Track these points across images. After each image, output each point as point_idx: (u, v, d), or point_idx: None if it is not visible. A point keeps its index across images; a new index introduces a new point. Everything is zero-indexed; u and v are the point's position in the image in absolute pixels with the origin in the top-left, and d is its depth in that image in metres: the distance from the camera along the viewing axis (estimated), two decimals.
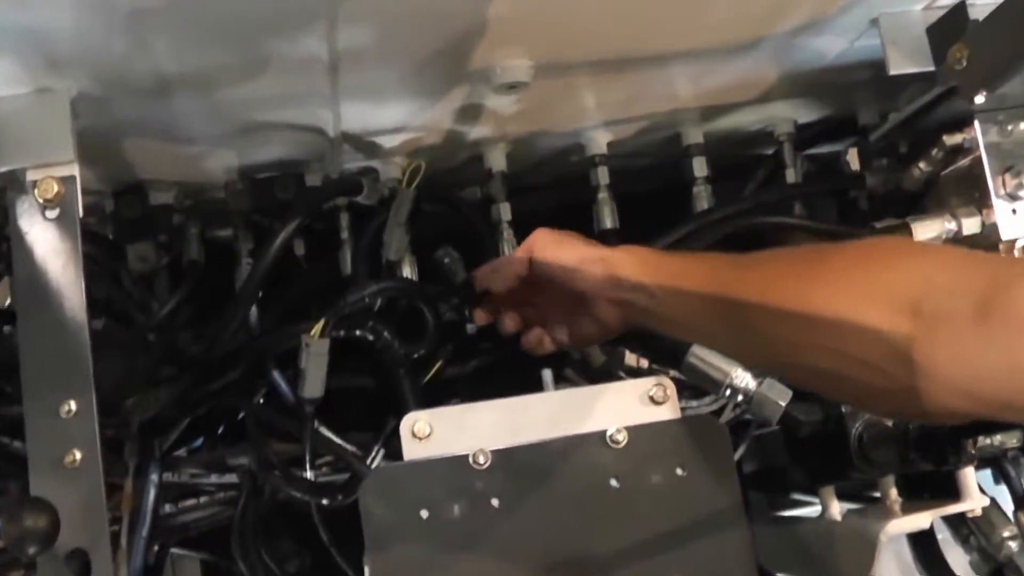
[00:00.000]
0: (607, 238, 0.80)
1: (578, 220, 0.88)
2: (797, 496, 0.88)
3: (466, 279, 0.71)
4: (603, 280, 0.59)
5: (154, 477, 0.70)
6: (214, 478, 0.74)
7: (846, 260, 0.47)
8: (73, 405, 0.52)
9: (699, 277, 0.53)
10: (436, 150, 0.79)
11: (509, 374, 0.75)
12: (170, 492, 0.73)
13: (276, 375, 0.72)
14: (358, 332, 0.72)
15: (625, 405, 0.61)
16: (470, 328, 0.74)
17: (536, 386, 0.68)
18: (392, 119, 0.72)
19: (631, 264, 0.58)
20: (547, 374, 0.68)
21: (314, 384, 0.68)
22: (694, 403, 0.73)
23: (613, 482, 0.59)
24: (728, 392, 0.68)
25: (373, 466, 0.70)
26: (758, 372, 0.65)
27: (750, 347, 0.51)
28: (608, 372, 0.72)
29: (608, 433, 0.60)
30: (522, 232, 0.75)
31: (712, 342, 0.58)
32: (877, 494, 0.80)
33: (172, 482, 0.72)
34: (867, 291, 0.44)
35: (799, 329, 0.46)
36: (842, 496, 0.81)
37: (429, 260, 0.78)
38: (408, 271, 0.80)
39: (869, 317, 0.43)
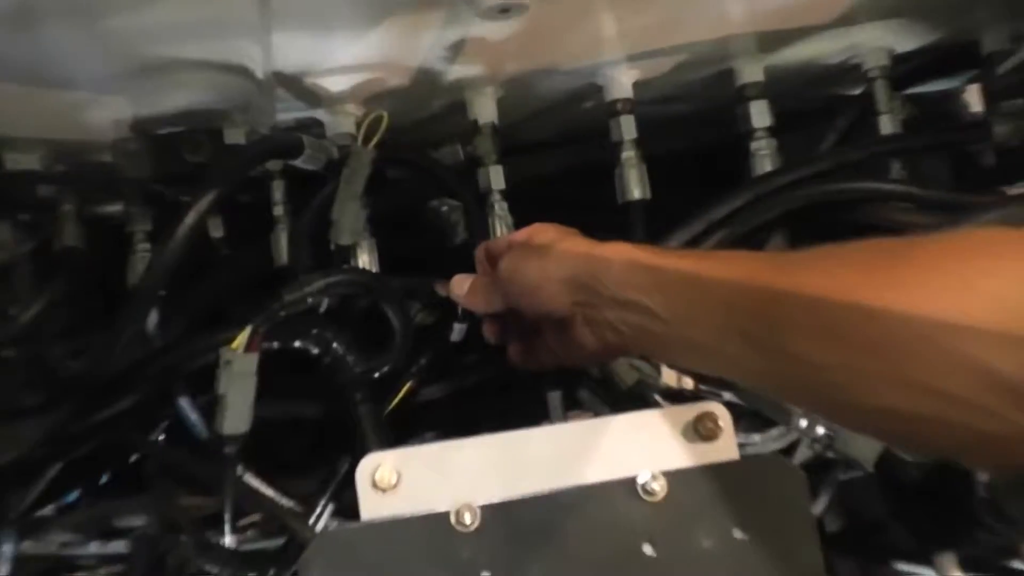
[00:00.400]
0: (634, 217, 0.82)
1: (593, 189, 0.86)
2: (901, 565, 0.87)
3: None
4: (572, 293, 0.62)
5: (7, 548, 0.68)
6: (94, 547, 0.73)
7: (935, 258, 0.45)
8: None
9: (723, 285, 0.52)
10: (402, 96, 0.80)
11: (505, 399, 0.78)
12: (31, 568, 0.71)
13: (185, 403, 0.72)
14: (298, 343, 0.73)
15: (663, 441, 0.61)
16: (454, 334, 0.76)
17: (541, 414, 0.70)
18: (342, 54, 0.73)
19: (620, 271, 0.59)
20: (555, 399, 0.70)
21: (237, 415, 0.68)
22: (756, 438, 0.73)
23: (647, 548, 0.59)
24: (804, 423, 0.69)
25: (319, 528, 0.70)
26: (808, 413, 0.67)
27: (795, 381, 0.50)
28: (640, 395, 0.73)
29: (640, 481, 0.60)
30: (520, 207, 0.79)
31: (742, 375, 0.57)
32: (1017, 564, 0.78)
33: (35, 554, 0.71)
34: (965, 302, 0.42)
35: (867, 356, 0.45)
36: (967, 566, 0.80)
37: (415, 217, 0.80)
38: (366, 259, 0.81)
39: (968, 338, 0.41)
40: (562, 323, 0.64)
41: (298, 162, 0.78)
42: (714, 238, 0.78)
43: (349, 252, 0.80)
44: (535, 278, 0.64)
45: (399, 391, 0.76)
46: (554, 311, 0.64)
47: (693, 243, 0.78)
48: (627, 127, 0.84)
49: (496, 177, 0.83)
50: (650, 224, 0.82)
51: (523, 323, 0.70)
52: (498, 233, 0.82)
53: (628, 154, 0.84)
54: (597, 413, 0.73)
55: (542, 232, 0.67)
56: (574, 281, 0.62)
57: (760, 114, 0.84)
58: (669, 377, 0.75)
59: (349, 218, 0.78)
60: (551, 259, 0.64)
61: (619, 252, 0.60)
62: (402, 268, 0.82)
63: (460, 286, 0.72)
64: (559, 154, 0.94)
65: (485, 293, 0.70)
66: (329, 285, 0.74)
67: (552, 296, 0.63)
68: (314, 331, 0.73)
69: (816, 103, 0.92)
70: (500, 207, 0.83)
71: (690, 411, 0.62)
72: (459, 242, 0.78)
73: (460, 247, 0.79)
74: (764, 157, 0.84)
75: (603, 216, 0.83)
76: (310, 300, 0.73)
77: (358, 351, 0.74)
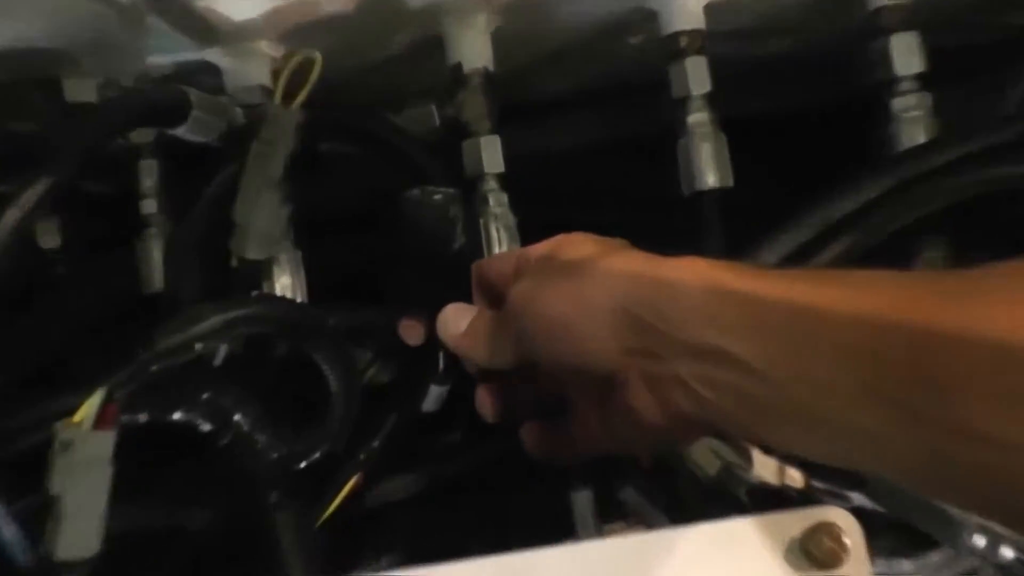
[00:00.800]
0: (708, 216, 0.84)
1: (638, 174, 0.89)
2: None
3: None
4: (624, 337, 0.63)
5: None
6: None
7: None
8: None
9: (856, 325, 0.54)
10: (345, 28, 0.81)
11: (505, 501, 0.81)
12: None
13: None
14: (179, 415, 0.74)
15: (756, 567, 0.63)
16: (428, 400, 0.79)
17: (562, 526, 0.72)
18: None
19: (698, 303, 0.60)
20: (584, 501, 0.72)
21: (81, 529, 0.66)
22: (906, 566, 0.73)
23: None
24: (983, 542, 0.68)
25: None
26: (990, 526, 0.69)
27: (972, 474, 0.50)
28: (719, 495, 0.74)
29: None
30: (526, 201, 0.82)
31: (886, 464, 0.58)
32: None
33: None
34: None
35: None
36: None
37: (369, 217, 0.83)
38: (287, 283, 0.82)
39: None
40: (606, 384, 0.65)
41: (181, 131, 0.78)
42: (834, 248, 0.79)
43: (261, 272, 0.81)
44: (565, 314, 0.65)
45: (339, 489, 0.77)
46: (595, 365, 0.65)
47: (802, 257, 0.79)
48: (696, 75, 0.84)
49: (491, 154, 0.84)
50: (730, 227, 0.83)
51: (543, 386, 0.72)
52: (493, 241, 0.83)
53: (698, 118, 0.84)
54: (649, 525, 0.75)
55: (574, 244, 0.69)
56: (627, 318, 0.63)
57: (906, 55, 0.84)
58: (765, 467, 0.76)
59: (261, 219, 0.78)
60: (590, 284, 0.65)
61: (695, 273, 0.61)
62: (348, 294, 0.85)
63: (454, 323, 0.74)
64: (586, 120, 0.96)
65: (487, 338, 0.72)
66: (228, 323, 0.74)
67: (592, 342, 0.64)
68: (205, 396, 0.74)
69: (987, 41, 0.94)
70: (496, 201, 0.84)
71: (799, 521, 0.63)
72: (455, 250, 0.79)
73: (456, 258, 0.80)
74: (913, 122, 0.84)
75: (654, 216, 0.85)
76: (198, 347, 0.73)
77: (274, 427, 0.75)
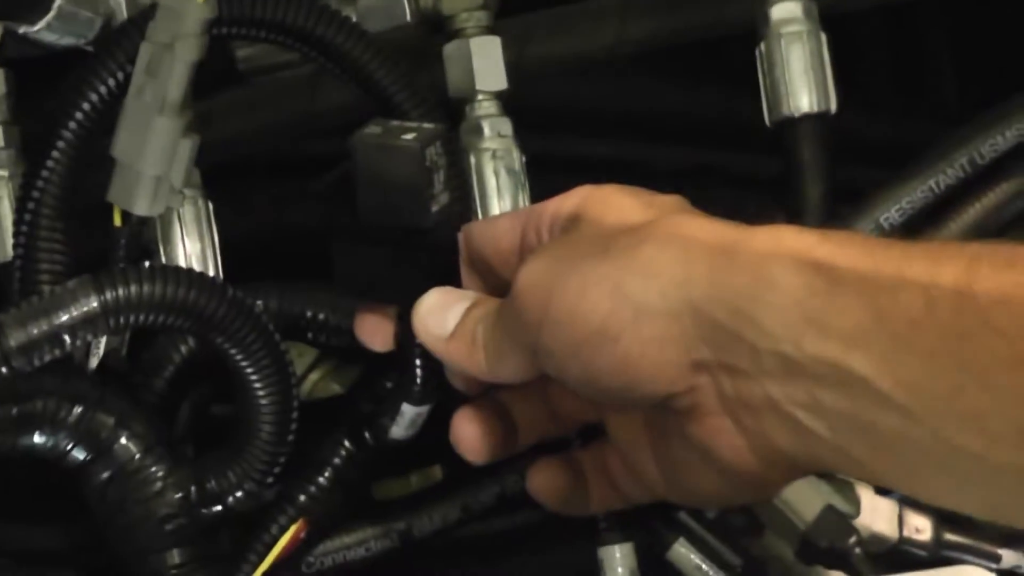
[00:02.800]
0: (803, 162, 0.83)
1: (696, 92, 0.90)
2: None
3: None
4: (695, 345, 0.61)
5: None
6: None
7: None
8: None
9: None
10: None
11: (504, 560, 0.83)
12: None
13: None
14: (37, 439, 0.72)
15: None
16: (399, 425, 0.76)
17: None
18: None
19: (800, 295, 0.58)
20: (617, 561, 0.73)
21: None
22: None
23: None
24: None
25: None
26: None
27: None
28: (821, 551, 0.74)
29: None
30: (536, 139, 0.82)
31: None
32: None
33: None
34: None
35: None
36: None
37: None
38: (195, 249, 0.80)
39: None
40: (663, 410, 0.63)
41: (39, 28, 0.76)
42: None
43: (154, 234, 0.79)
44: (603, 313, 0.61)
45: (271, 544, 0.76)
46: (648, 384, 0.62)
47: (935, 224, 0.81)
48: None
49: (487, 62, 0.82)
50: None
51: (563, 409, 0.72)
52: (490, 194, 0.82)
53: (788, 10, 0.81)
54: None
55: (608, 203, 0.67)
56: (696, 319, 0.60)
57: None
58: (879, 513, 0.76)
59: (152, 157, 0.74)
60: (640, 270, 0.62)
61: (785, 251, 0.59)
62: (282, 267, 0.84)
63: (439, 318, 0.70)
64: (609, 16, 0.90)
65: (487, 341, 0.68)
66: (107, 308, 0.69)
67: (644, 353, 0.61)
68: (75, 411, 0.72)
69: None
70: (494, 131, 0.82)
71: None
72: (434, 213, 0.73)
73: (435, 224, 0.74)
74: None
75: (712, 156, 0.89)
76: (68, 341, 0.69)
77: (175, 456, 0.75)
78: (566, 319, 0.62)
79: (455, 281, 0.73)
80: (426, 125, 0.74)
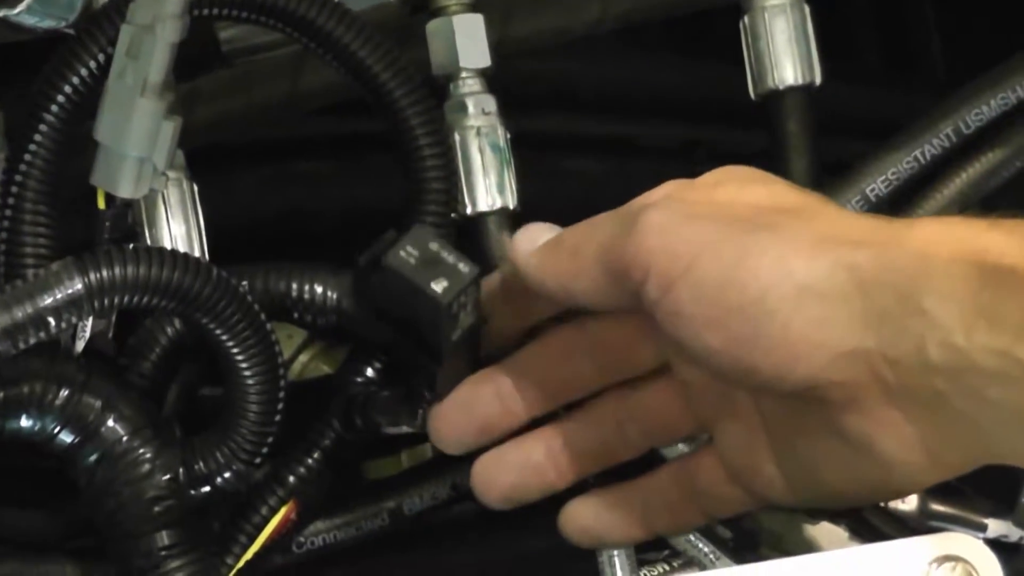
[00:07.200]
0: (778, 116, 0.83)
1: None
2: None
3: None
4: (861, 332, 0.59)
5: None
6: None
7: None
8: None
9: None
10: None
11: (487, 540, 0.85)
12: None
13: None
14: (23, 422, 0.72)
15: None
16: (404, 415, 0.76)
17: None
18: None
19: (970, 283, 0.57)
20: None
21: None
22: None
23: None
24: None
25: None
26: None
27: None
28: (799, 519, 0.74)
29: None
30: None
31: None
32: None
33: None
34: None
35: None
36: None
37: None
38: (180, 231, 0.79)
39: None
40: (812, 401, 0.62)
41: (17, 10, 0.73)
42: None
43: (139, 217, 0.79)
44: (760, 287, 0.60)
45: (260, 527, 0.76)
46: (801, 372, 0.61)
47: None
48: None
49: (470, 40, 0.81)
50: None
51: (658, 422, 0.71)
52: (475, 169, 0.81)
53: None
54: (701, 564, 0.76)
55: (756, 178, 0.66)
56: (864, 306, 0.59)
57: None
58: None
59: (136, 139, 0.73)
60: (804, 248, 0.61)
61: (962, 240, 0.58)
62: (270, 248, 0.85)
63: (534, 237, 0.69)
64: None
65: (598, 253, 0.65)
66: (92, 290, 0.69)
67: (803, 337, 0.60)
68: (61, 394, 0.72)
69: None
70: (478, 108, 0.81)
71: (916, 553, 0.64)
72: (448, 352, 0.74)
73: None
74: None
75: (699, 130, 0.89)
76: (52, 323, 0.69)
77: (162, 438, 0.74)
78: (714, 283, 0.61)
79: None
80: (461, 266, 0.72)
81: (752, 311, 0.60)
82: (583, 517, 0.71)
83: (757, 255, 0.60)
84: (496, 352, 0.75)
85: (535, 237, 0.70)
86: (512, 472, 0.72)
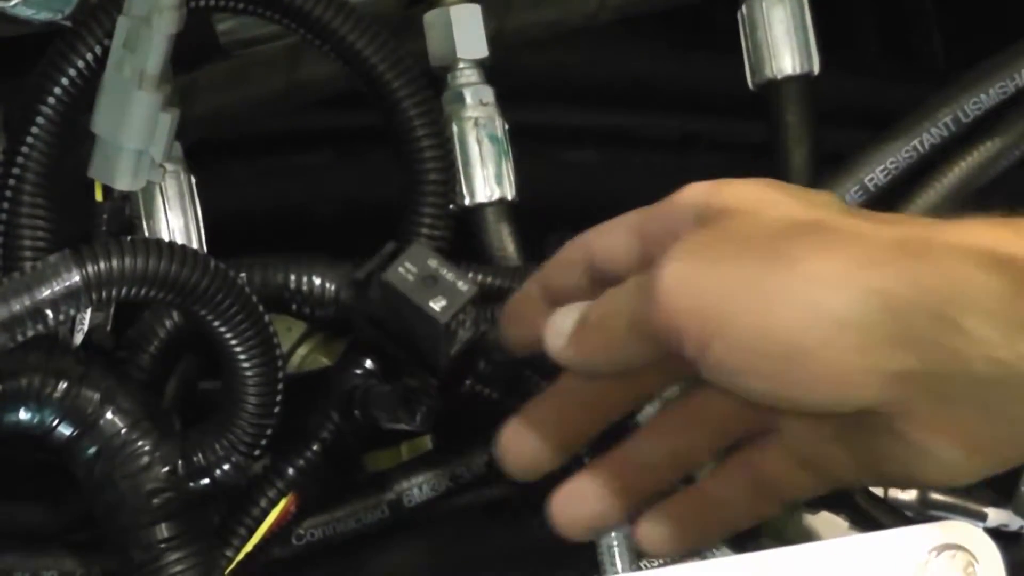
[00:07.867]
0: (777, 105, 0.83)
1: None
2: None
3: None
4: (894, 355, 0.58)
5: None
6: None
7: None
8: None
9: None
10: None
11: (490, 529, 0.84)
12: None
13: None
14: (22, 415, 0.72)
15: None
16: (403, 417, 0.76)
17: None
18: None
19: (1001, 291, 0.56)
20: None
21: None
22: None
23: None
24: None
25: None
26: None
27: None
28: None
29: None
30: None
31: None
32: None
33: None
34: None
35: None
36: None
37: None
38: (178, 224, 0.80)
39: None
40: (858, 422, 0.61)
41: (14, 4, 0.74)
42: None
43: (137, 209, 0.79)
44: (789, 330, 0.59)
45: (260, 518, 0.76)
46: (854, 395, 0.59)
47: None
48: None
49: (468, 30, 0.82)
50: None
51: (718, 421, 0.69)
52: (473, 160, 0.81)
53: None
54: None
55: (764, 197, 0.64)
56: (895, 329, 0.58)
57: None
58: None
59: (133, 131, 0.74)
60: (828, 274, 0.59)
61: (988, 247, 0.57)
62: (268, 242, 0.82)
63: (561, 325, 0.67)
64: None
65: (626, 327, 0.64)
66: (90, 282, 0.69)
67: (840, 371, 0.59)
68: (60, 386, 0.72)
69: None
70: (476, 99, 0.81)
71: (914, 543, 0.63)
72: (446, 368, 0.76)
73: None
74: None
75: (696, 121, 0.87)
76: (50, 316, 0.68)
77: (161, 429, 0.73)
78: (748, 337, 0.60)
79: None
80: (460, 284, 0.72)
81: (792, 354, 0.59)
82: (657, 533, 0.69)
83: (782, 300, 0.59)
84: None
85: (560, 327, 0.67)
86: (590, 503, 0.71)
